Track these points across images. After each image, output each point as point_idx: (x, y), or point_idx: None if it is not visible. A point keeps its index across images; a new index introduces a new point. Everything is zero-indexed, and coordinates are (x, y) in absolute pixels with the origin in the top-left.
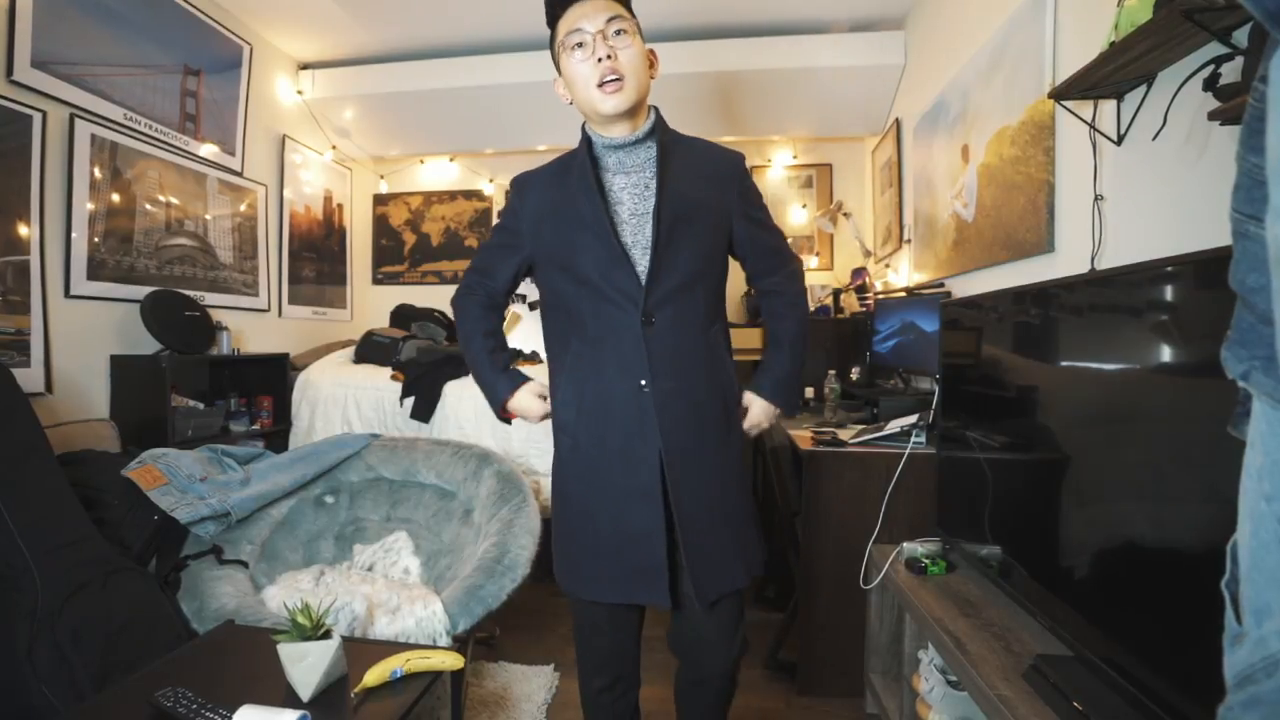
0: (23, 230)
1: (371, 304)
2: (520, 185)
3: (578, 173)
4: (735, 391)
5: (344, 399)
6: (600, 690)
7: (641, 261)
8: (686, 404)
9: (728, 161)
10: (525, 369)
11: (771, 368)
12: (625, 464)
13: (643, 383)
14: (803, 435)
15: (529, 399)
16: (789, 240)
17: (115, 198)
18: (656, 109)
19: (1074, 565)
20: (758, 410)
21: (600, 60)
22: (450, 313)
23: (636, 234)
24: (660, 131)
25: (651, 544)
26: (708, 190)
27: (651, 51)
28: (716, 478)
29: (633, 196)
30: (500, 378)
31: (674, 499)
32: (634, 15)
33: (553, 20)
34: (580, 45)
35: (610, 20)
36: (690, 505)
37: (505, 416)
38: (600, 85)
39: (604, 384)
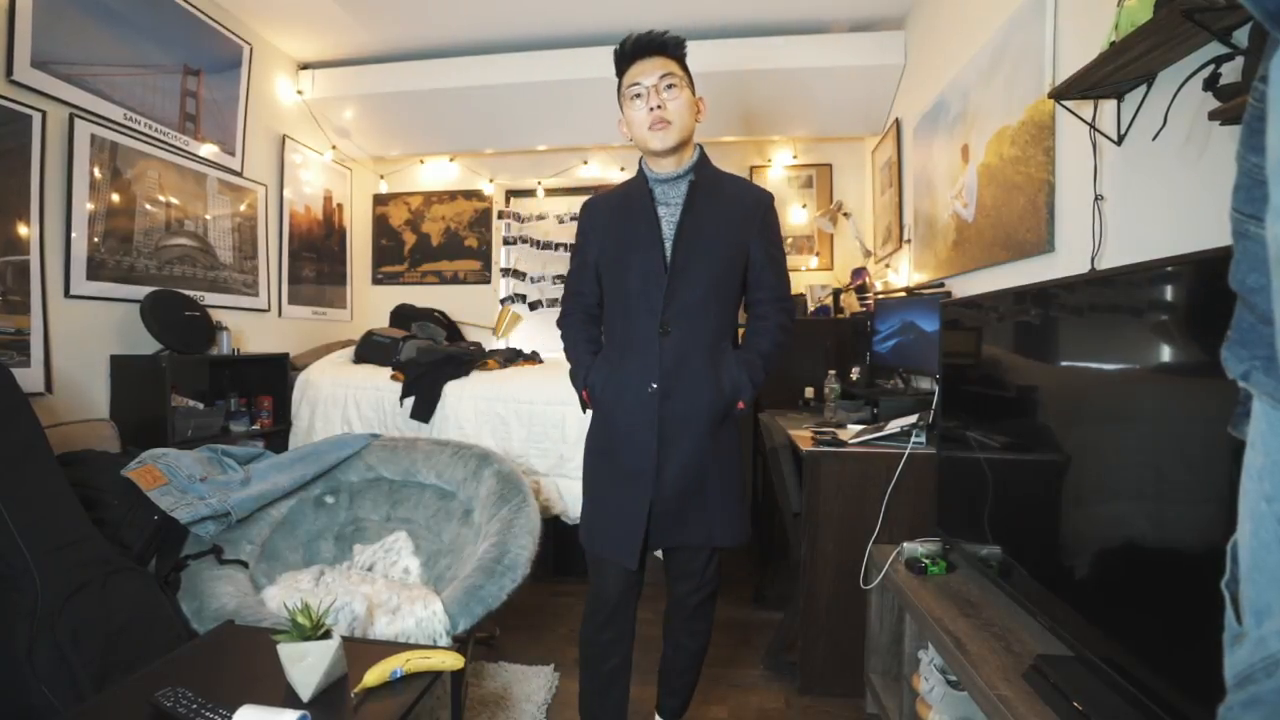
0: (23, 230)
1: (371, 304)
2: (588, 208)
3: (639, 203)
4: (734, 384)
5: (344, 399)
6: (597, 629)
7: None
8: (685, 404)
9: (754, 200)
10: (525, 369)
11: (745, 362)
12: (629, 447)
13: (653, 385)
14: (803, 435)
15: None
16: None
17: (115, 198)
18: (701, 148)
19: (1074, 565)
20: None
21: (652, 109)
22: (450, 313)
23: (671, 258)
24: (697, 170)
25: (637, 516)
26: (727, 226)
27: (700, 100)
28: (696, 467)
29: (668, 224)
30: (589, 359)
31: (659, 478)
32: (686, 70)
33: (620, 72)
34: (638, 95)
35: (663, 76)
36: (668, 485)
37: (587, 403)
38: (650, 128)
39: (623, 379)
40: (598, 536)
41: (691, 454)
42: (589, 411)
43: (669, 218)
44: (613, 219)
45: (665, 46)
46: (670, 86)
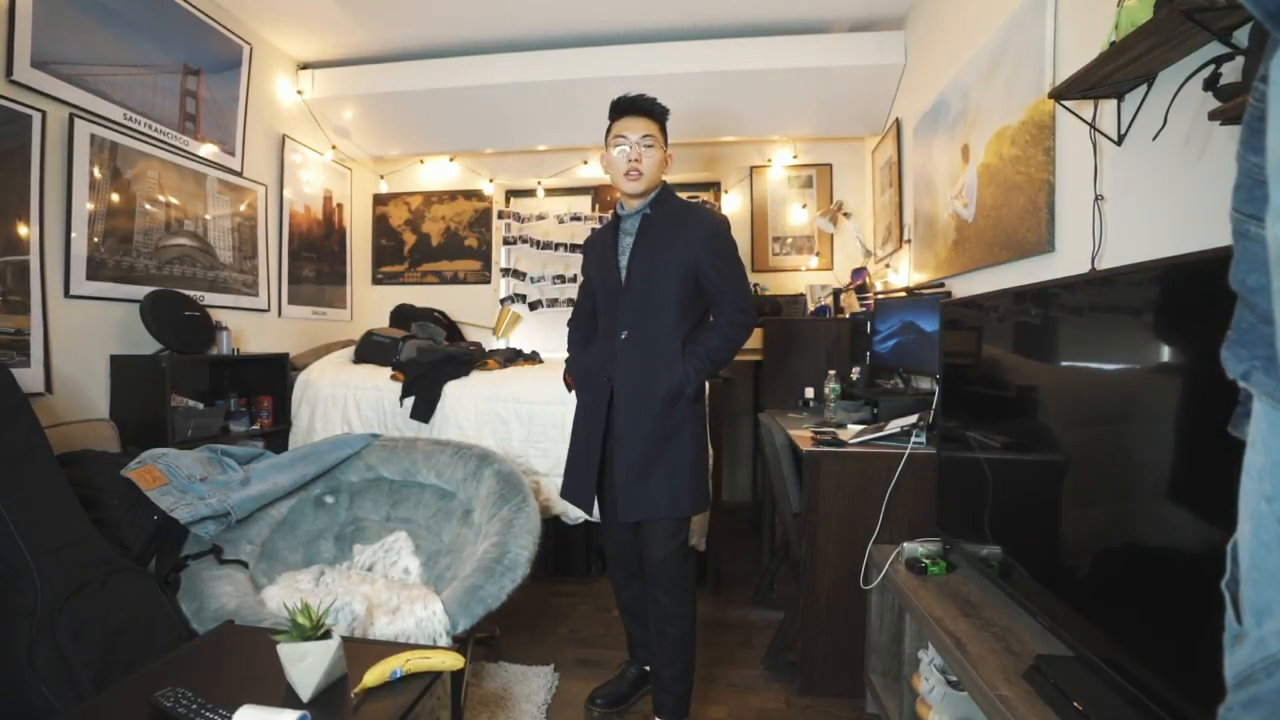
0: (22, 230)
1: (371, 304)
2: (586, 243)
3: (609, 235)
4: (680, 378)
5: (344, 399)
6: (611, 569)
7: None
8: (638, 392)
9: (701, 225)
10: (524, 368)
11: (692, 355)
12: (590, 424)
13: (606, 377)
14: (803, 435)
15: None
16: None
17: (115, 198)
18: (663, 186)
19: (1074, 565)
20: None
21: (630, 161)
22: (449, 313)
23: (625, 277)
24: (653, 206)
25: (591, 477)
26: (675, 250)
27: (669, 155)
28: (654, 442)
29: (628, 254)
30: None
31: (615, 452)
32: (664, 131)
33: (610, 118)
34: (622, 146)
35: (644, 136)
36: (626, 457)
37: (570, 385)
38: (626, 174)
39: (590, 368)
40: (567, 487)
41: (645, 433)
42: (573, 392)
43: (629, 246)
44: (595, 250)
45: (652, 111)
46: (649, 146)
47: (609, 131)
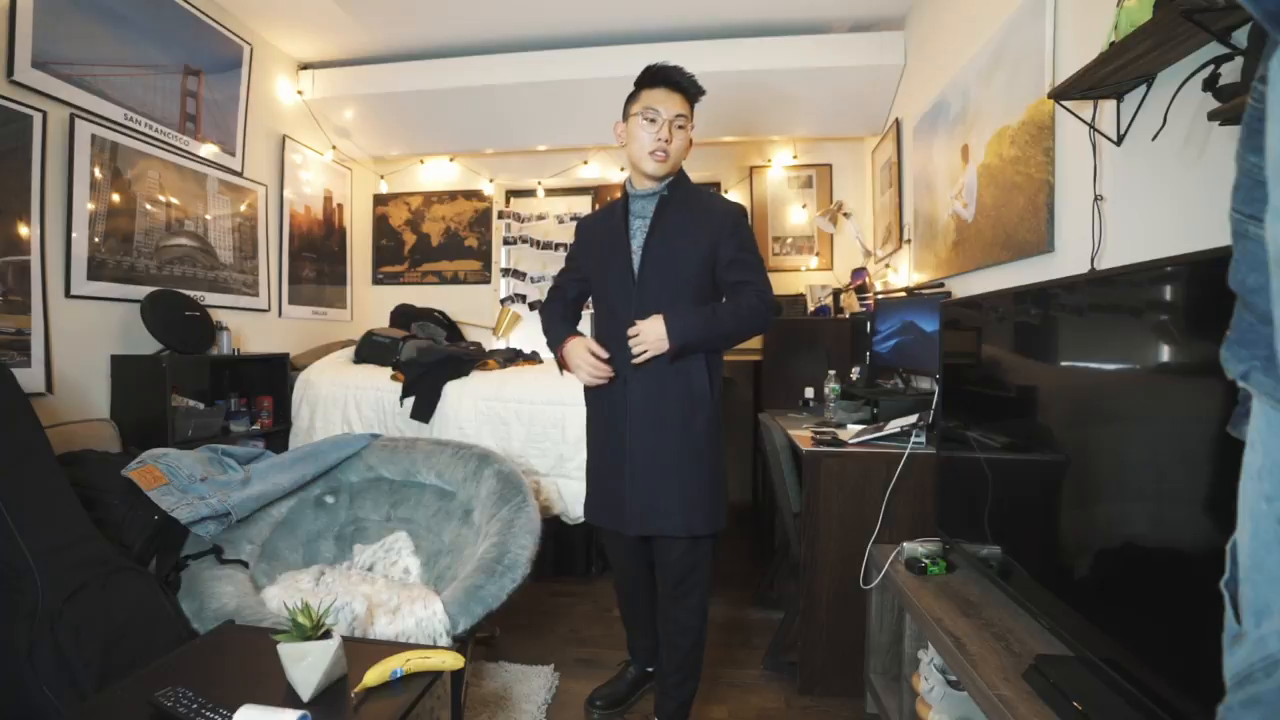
0: (23, 230)
1: (371, 304)
2: (580, 227)
3: (617, 222)
4: (702, 387)
5: (344, 399)
6: (619, 590)
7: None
8: (654, 392)
9: (723, 211)
10: (525, 369)
11: (693, 310)
12: (610, 433)
13: (624, 379)
14: (803, 435)
15: (579, 349)
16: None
17: (115, 198)
18: (681, 171)
19: (1074, 565)
20: (649, 323)
21: (660, 140)
22: (450, 313)
23: (635, 265)
24: (670, 187)
25: (620, 491)
26: (693, 236)
27: (691, 140)
28: (671, 449)
29: (640, 235)
30: (560, 327)
31: (629, 461)
32: (693, 113)
33: (639, 86)
34: (652, 120)
35: (678, 115)
36: (642, 465)
37: (561, 365)
38: (652, 153)
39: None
40: (594, 510)
41: (658, 443)
42: (565, 373)
43: (643, 229)
44: (595, 238)
45: (688, 89)
46: (680, 127)
47: (634, 99)
